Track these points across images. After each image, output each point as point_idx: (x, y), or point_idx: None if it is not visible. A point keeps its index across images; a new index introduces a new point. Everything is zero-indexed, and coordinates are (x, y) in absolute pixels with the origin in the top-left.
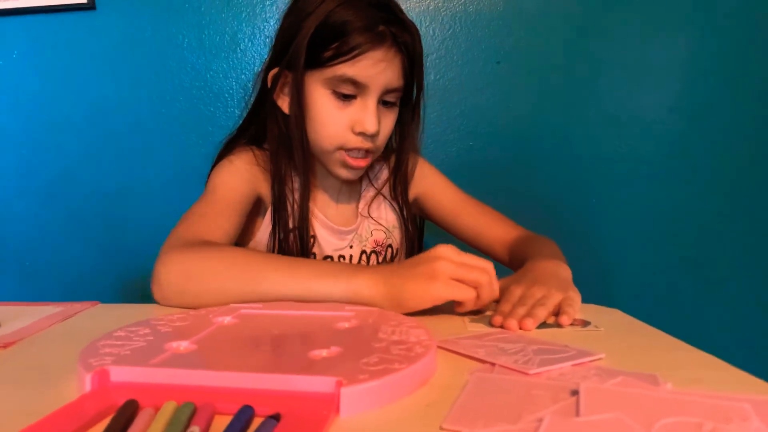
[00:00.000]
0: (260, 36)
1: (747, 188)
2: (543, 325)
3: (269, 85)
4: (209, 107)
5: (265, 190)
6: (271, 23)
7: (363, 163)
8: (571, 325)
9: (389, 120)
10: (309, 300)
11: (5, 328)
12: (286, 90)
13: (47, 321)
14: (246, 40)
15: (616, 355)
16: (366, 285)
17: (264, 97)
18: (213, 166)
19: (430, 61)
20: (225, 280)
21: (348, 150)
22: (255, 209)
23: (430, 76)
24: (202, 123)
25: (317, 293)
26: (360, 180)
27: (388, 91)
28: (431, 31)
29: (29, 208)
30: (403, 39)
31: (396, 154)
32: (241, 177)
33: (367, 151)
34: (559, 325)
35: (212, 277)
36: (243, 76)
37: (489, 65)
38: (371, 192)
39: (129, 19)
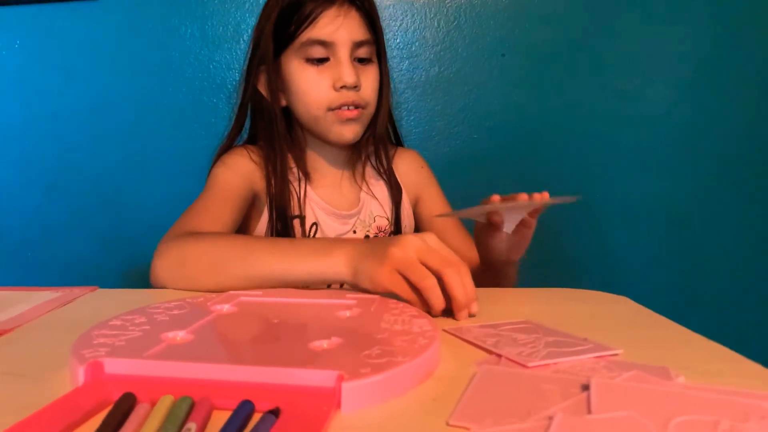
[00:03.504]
0: None
1: (752, 179)
2: None
3: (253, 84)
4: (212, 98)
5: (260, 186)
6: None
7: (356, 112)
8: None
9: (370, 75)
10: (293, 278)
11: (3, 314)
12: (268, 80)
13: (45, 307)
14: (249, 31)
15: (625, 345)
16: (338, 263)
17: (249, 98)
18: (211, 169)
19: (434, 53)
20: (214, 263)
21: (336, 108)
22: (252, 208)
23: (434, 68)
24: (205, 114)
25: (300, 271)
26: (360, 161)
27: (356, 45)
28: (436, 23)
29: (31, 198)
30: None
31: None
32: (236, 172)
33: (357, 106)
34: None
35: (203, 261)
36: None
37: (494, 58)
38: (368, 168)
39: (132, 10)
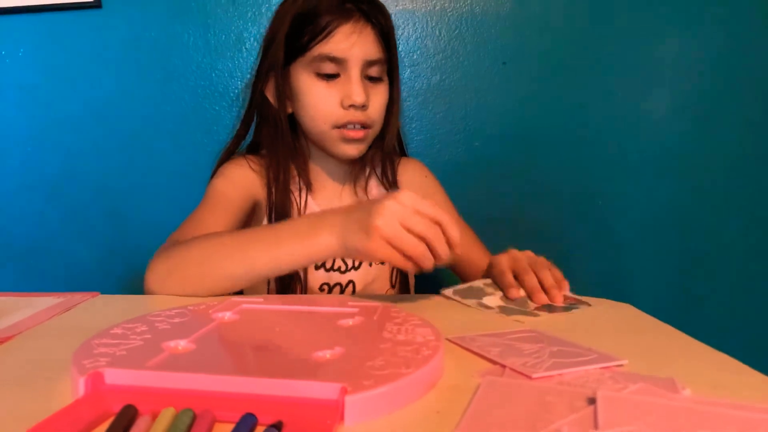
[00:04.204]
0: None
1: (758, 185)
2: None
3: (261, 89)
4: (214, 106)
5: (261, 195)
6: None
7: (361, 134)
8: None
9: (379, 94)
10: (285, 266)
11: (4, 320)
12: (276, 87)
13: (47, 313)
14: (252, 39)
15: (629, 354)
16: (327, 241)
17: (256, 103)
18: (210, 179)
19: (435, 61)
20: (202, 268)
21: (343, 126)
22: (252, 215)
23: (435, 77)
24: (207, 122)
25: (290, 258)
26: (365, 176)
27: (368, 64)
28: (437, 32)
29: (34, 204)
30: (371, 12)
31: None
32: (234, 182)
33: (363, 126)
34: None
35: (191, 268)
36: (248, 76)
37: (495, 66)
38: (372, 181)
39: (135, 18)
